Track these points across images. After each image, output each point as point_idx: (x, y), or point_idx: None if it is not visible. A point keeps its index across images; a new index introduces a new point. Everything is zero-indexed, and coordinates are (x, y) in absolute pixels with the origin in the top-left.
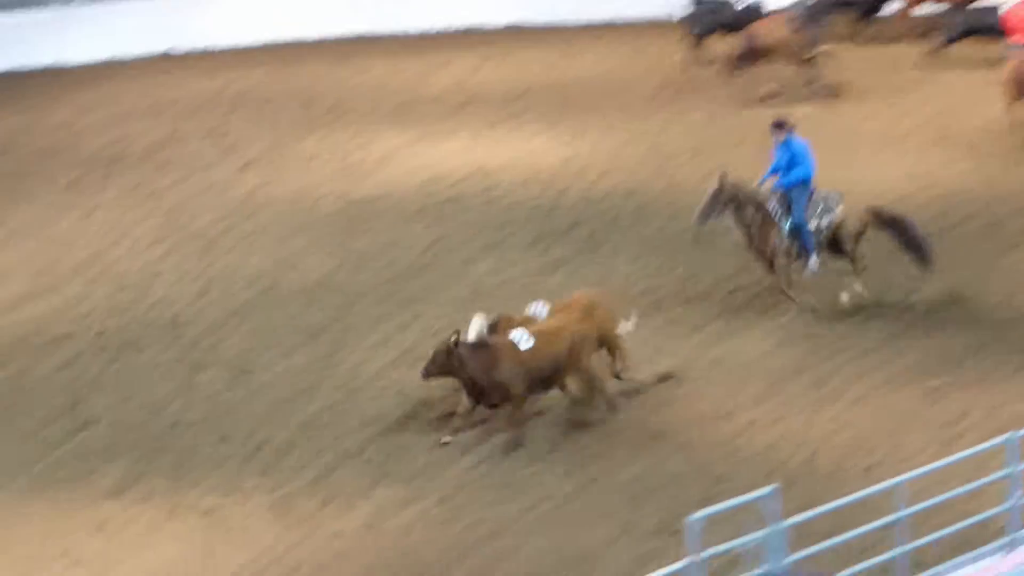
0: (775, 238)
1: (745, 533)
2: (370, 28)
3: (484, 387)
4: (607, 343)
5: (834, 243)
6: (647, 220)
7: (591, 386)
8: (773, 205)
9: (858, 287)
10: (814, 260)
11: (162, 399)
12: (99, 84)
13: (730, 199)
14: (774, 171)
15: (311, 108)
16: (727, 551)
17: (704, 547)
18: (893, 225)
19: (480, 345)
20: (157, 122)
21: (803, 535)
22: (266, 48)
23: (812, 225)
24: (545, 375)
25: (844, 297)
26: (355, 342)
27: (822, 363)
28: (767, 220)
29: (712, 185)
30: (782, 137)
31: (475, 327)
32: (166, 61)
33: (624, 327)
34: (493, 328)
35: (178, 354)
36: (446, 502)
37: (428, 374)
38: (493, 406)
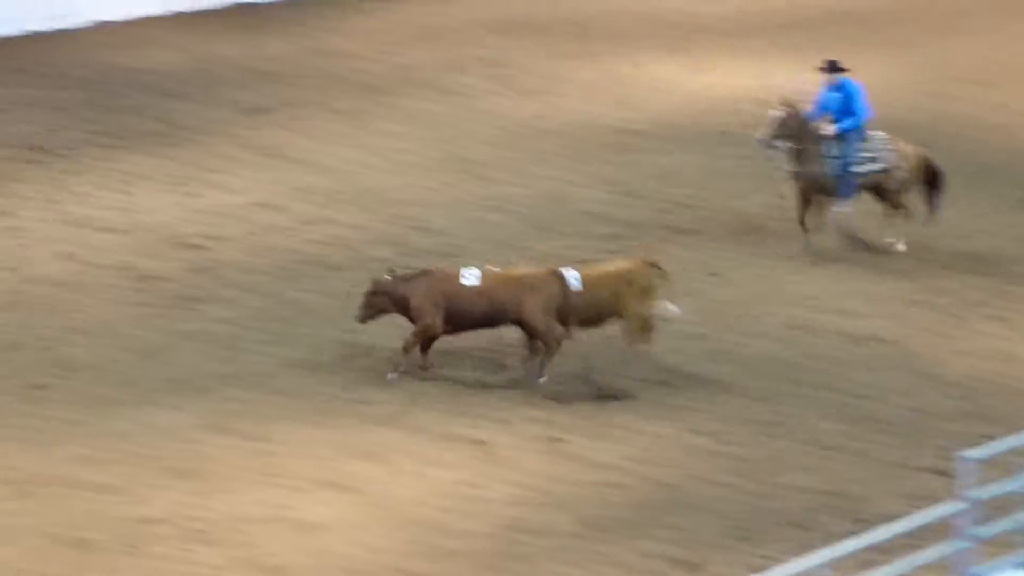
0: (819, 174)
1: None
2: None
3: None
4: (622, 313)
5: (878, 189)
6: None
7: (537, 337)
8: (827, 142)
9: (894, 238)
10: (848, 205)
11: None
12: (376, 11)
13: (794, 130)
14: (823, 110)
15: (585, 35)
16: (1000, 494)
17: (977, 488)
18: (935, 179)
19: (404, 278)
20: (434, 49)
21: None
22: None
23: (859, 169)
24: (477, 317)
25: (899, 245)
26: None
27: None
28: (817, 156)
29: (778, 112)
30: (834, 80)
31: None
32: None
33: (665, 307)
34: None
35: None
36: (717, 437)
37: (364, 319)
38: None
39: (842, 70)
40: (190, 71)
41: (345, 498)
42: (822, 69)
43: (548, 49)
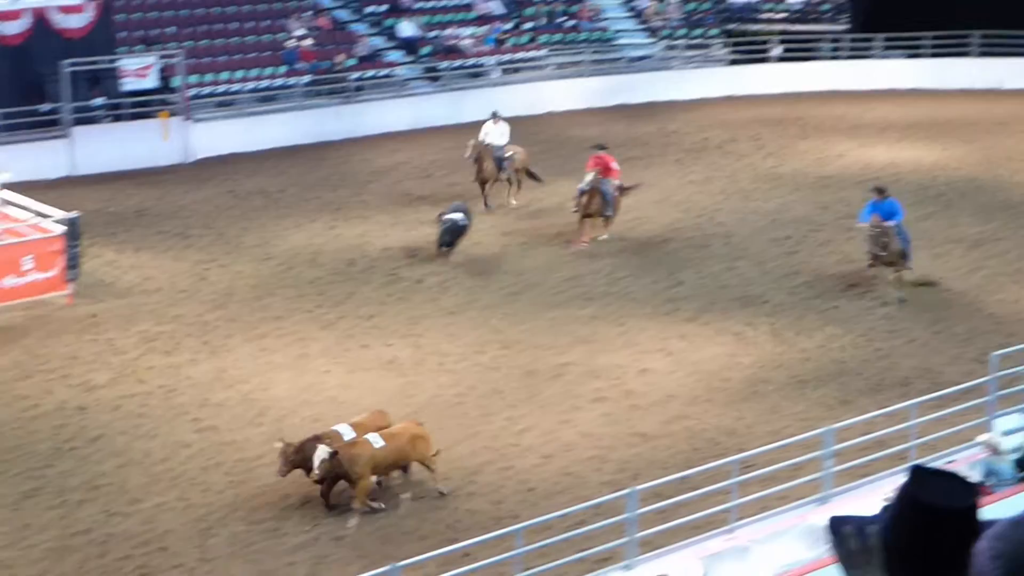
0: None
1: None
2: (838, 86)
3: None
4: None
5: None
6: (979, 194)
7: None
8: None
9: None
10: None
11: (716, 272)
12: (691, 111)
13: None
14: (871, 213)
15: (805, 127)
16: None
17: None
18: None
19: None
20: (723, 130)
21: None
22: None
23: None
24: None
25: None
26: None
27: None
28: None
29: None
30: (882, 198)
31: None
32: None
33: None
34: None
35: (725, 250)
36: (864, 336)
37: None
38: None
39: (886, 194)
40: None
41: (664, 359)
42: (873, 190)
43: (780, 133)
